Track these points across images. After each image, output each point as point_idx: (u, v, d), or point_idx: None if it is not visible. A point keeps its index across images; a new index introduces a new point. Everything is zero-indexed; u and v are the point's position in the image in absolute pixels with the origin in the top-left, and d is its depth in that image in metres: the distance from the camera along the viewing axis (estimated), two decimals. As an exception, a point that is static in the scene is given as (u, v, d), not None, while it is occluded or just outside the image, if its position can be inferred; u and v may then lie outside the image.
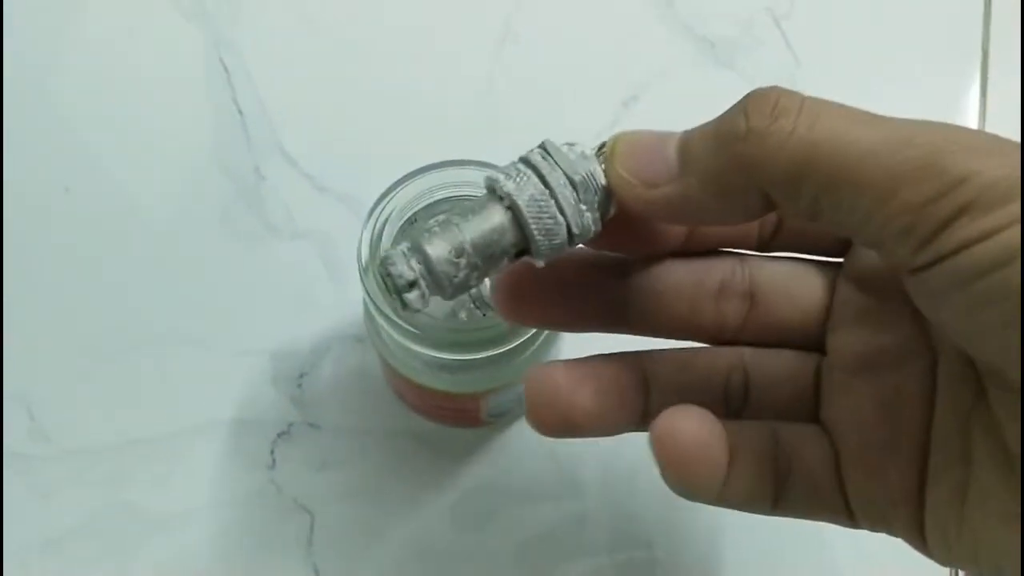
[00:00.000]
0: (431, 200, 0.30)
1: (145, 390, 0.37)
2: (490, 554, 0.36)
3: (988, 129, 0.43)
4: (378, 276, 0.20)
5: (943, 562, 0.21)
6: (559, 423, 0.22)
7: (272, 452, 0.37)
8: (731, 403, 0.24)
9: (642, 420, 0.23)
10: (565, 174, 0.20)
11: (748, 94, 0.19)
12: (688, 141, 0.20)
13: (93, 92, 0.41)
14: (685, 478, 0.21)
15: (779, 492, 0.22)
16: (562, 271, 0.23)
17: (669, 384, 0.23)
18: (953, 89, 0.43)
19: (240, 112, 0.41)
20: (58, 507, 0.36)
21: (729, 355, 0.24)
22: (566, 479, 0.37)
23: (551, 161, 0.20)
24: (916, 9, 0.44)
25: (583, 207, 0.21)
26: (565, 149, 0.21)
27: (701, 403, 0.22)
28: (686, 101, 0.42)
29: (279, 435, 0.37)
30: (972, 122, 0.43)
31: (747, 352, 0.24)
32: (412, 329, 0.29)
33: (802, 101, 0.18)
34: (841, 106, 0.18)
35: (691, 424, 0.21)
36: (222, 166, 0.40)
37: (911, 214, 0.17)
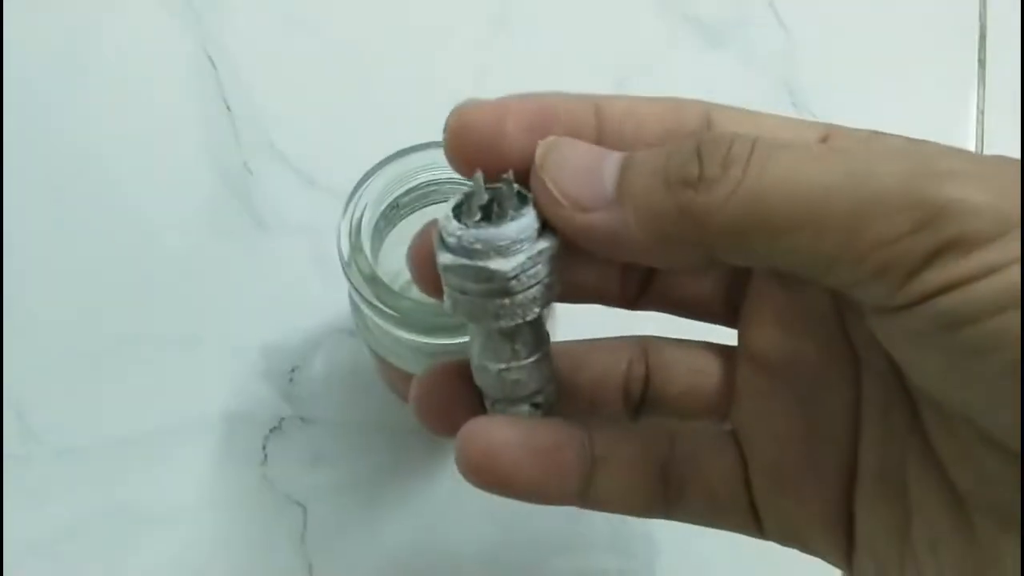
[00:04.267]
0: (413, 183, 0.30)
1: (135, 388, 0.37)
2: (486, 546, 0.35)
3: (988, 103, 0.42)
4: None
5: None
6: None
7: (264, 448, 0.36)
8: (630, 399, 0.22)
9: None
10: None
11: (701, 136, 0.17)
12: (630, 168, 0.18)
13: (80, 90, 0.41)
14: (474, 478, 0.20)
15: (671, 499, 0.21)
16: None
17: (564, 384, 0.22)
18: (951, 64, 0.42)
19: (228, 108, 0.41)
20: (50, 508, 0.35)
21: (629, 347, 0.22)
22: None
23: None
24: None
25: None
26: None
27: (600, 400, 0.21)
28: (678, 84, 0.41)
29: (271, 430, 0.36)
30: (971, 97, 0.42)
31: (650, 342, 0.22)
32: (396, 314, 0.28)
33: (752, 145, 0.16)
34: (794, 145, 0.16)
35: (480, 425, 0.20)
36: (211, 162, 0.40)
37: (885, 251, 0.15)
